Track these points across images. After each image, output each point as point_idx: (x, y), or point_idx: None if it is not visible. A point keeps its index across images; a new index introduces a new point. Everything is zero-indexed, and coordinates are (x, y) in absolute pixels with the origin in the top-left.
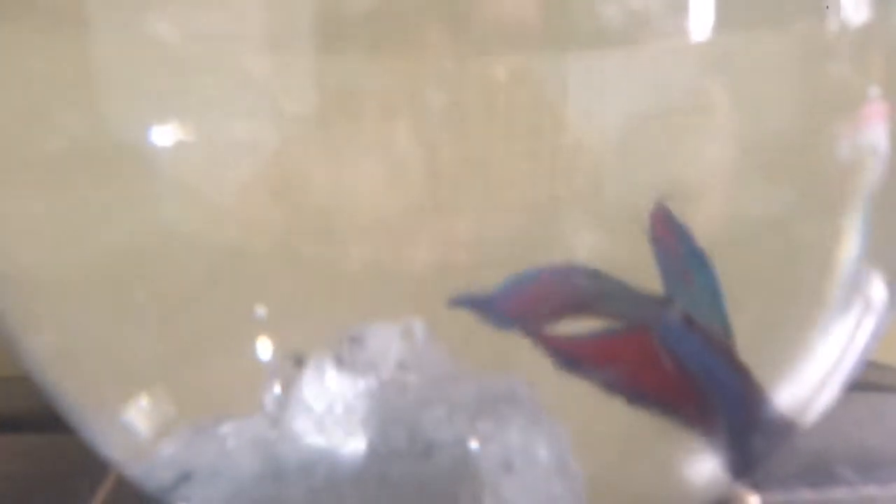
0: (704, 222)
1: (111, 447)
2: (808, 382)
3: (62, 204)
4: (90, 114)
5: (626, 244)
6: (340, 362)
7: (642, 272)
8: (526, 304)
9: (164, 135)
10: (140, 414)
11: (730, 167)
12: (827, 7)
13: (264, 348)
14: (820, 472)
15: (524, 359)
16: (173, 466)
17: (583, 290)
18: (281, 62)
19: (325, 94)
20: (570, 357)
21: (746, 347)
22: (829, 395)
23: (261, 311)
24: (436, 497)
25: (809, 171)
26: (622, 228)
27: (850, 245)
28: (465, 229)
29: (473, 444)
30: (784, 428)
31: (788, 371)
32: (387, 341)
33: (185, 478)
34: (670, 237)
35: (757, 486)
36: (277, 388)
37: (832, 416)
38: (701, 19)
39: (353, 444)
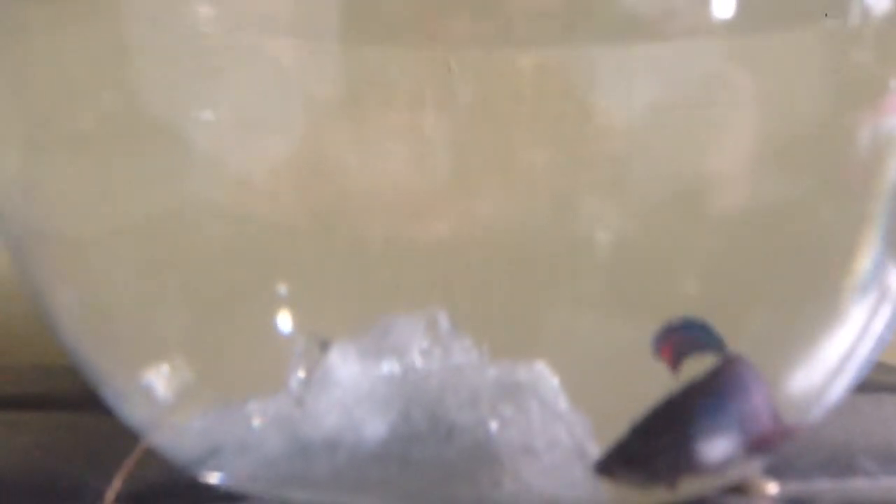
0: (727, 211)
1: (141, 417)
2: (825, 367)
3: (100, 175)
4: (126, 92)
5: (647, 230)
6: (364, 347)
7: (662, 259)
8: None
9: (198, 113)
10: (168, 385)
11: (753, 158)
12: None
13: (291, 328)
14: (840, 464)
15: (546, 347)
16: (202, 441)
17: None
18: (310, 48)
19: (353, 78)
20: None
21: (769, 332)
22: (845, 379)
23: (290, 291)
24: (456, 478)
25: (832, 162)
26: (645, 215)
27: (872, 234)
28: (490, 215)
29: (494, 428)
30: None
31: (807, 355)
32: (411, 329)
33: (213, 452)
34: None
35: (775, 475)
36: (302, 370)
37: (857, 416)
38: (725, 11)
39: (376, 426)
